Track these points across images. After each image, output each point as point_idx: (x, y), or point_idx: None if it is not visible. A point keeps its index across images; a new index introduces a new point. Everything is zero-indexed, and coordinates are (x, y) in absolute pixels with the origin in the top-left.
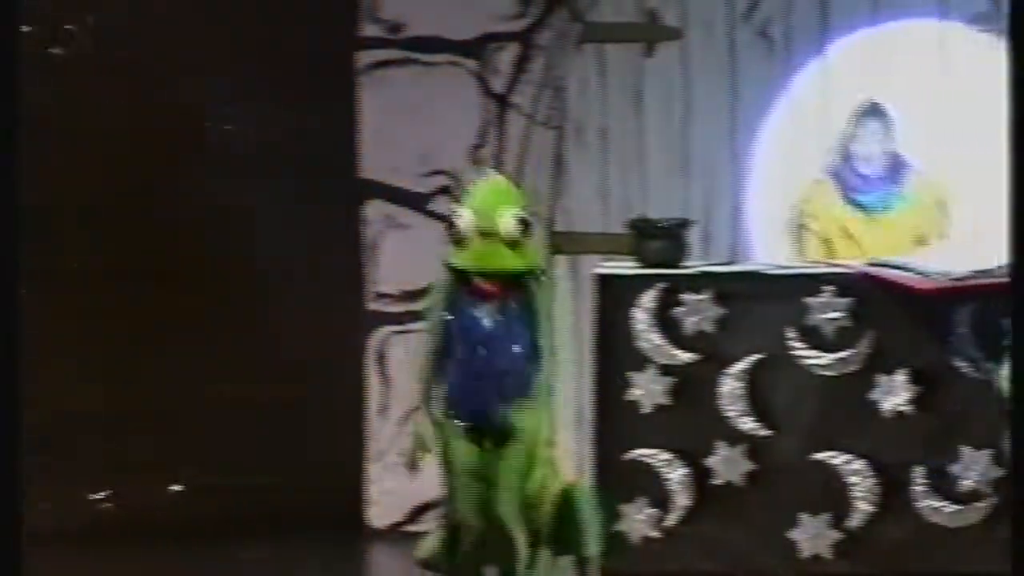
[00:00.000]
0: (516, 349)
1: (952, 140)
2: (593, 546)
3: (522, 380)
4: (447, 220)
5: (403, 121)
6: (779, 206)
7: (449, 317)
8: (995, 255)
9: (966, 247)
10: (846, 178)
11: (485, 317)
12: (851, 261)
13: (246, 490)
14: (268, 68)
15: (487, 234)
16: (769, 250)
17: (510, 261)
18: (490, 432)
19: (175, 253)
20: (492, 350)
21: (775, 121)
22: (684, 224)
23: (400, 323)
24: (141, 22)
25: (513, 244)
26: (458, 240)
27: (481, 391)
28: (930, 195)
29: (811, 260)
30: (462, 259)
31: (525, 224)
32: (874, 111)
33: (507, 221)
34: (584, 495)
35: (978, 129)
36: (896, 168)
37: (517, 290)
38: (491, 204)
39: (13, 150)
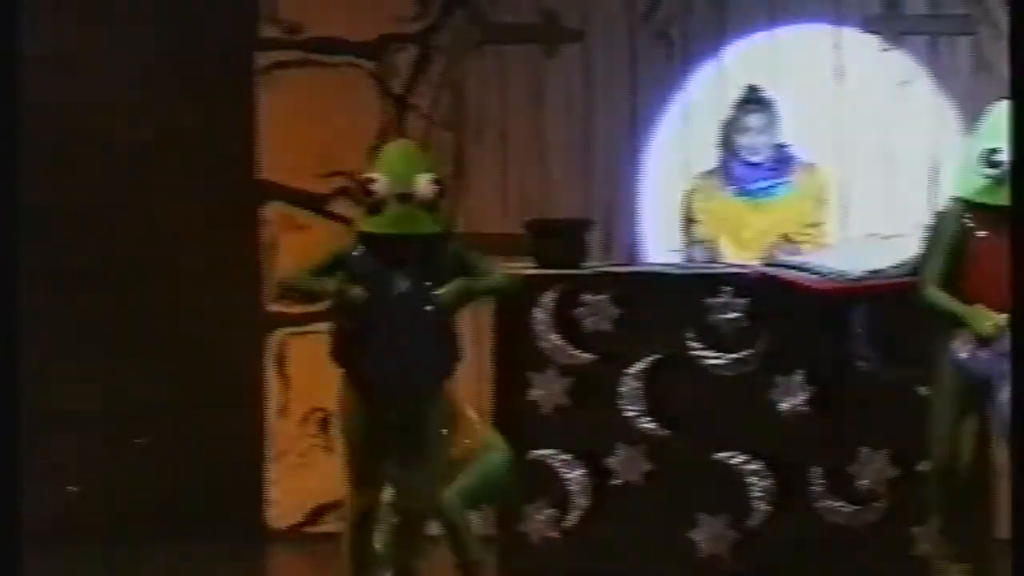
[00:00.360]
0: (429, 310)
1: (842, 136)
2: (502, 500)
3: (435, 342)
4: (360, 185)
5: (302, 122)
6: (674, 205)
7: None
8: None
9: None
10: (732, 168)
11: (400, 281)
12: (750, 261)
13: (145, 491)
14: (167, 68)
15: (404, 197)
16: (665, 248)
17: (427, 224)
18: (407, 395)
19: (71, 252)
20: (406, 313)
21: (671, 121)
22: (583, 224)
23: (299, 324)
24: (40, 18)
25: (429, 207)
26: (373, 205)
27: (396, 354)
28: (815, 183)
29: (706, 256)
30: (377, 224)
31: (440, 187)
32: (757, 100)
33: (423, 184)
34: (500, 452)
35: (867, 127)
36: (782, 157)
37: (429, 254)
38: (406, 168)
39: (13, 150)
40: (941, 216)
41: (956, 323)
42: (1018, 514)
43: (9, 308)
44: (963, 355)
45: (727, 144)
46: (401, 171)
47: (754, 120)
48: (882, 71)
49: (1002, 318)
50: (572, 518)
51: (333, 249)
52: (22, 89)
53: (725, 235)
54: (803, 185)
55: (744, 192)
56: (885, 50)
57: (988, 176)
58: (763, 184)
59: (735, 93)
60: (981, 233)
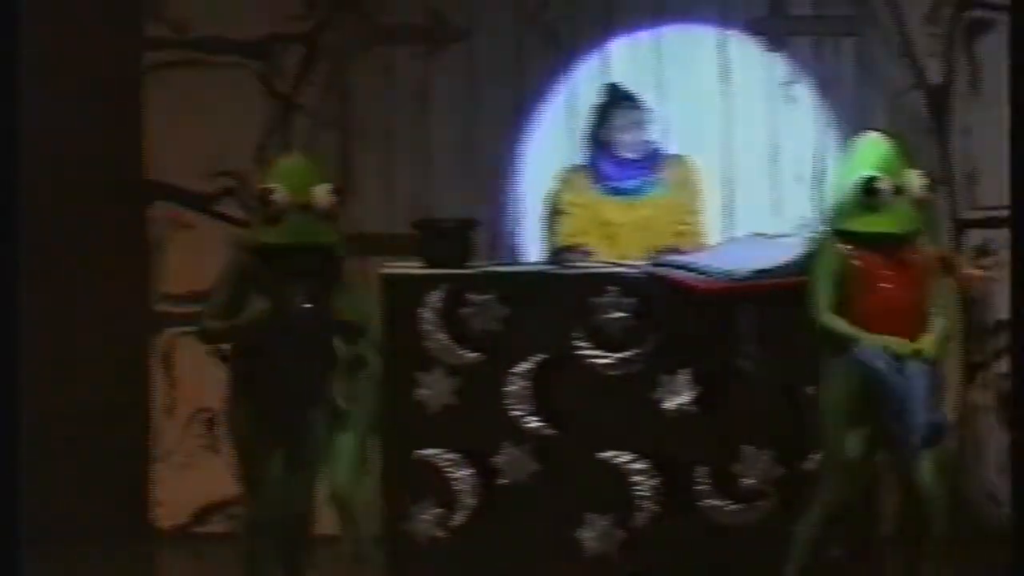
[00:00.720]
0: (328, 320)
1: (728, 136)
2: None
3: (326, 350)
4: (260, 197)
5: (188, 122)
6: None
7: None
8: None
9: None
10: (601, 166)
11: (297, 291)
12: (627, 259)
13: (29, 492)
14: (53, 68)
15: (302, 208)
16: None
17: (326, 235)
18: (299, 402)
19: None
20: (303, 323)
21: (554, 120)
22: (469, 224)
23: (186, 324)
24: None
25: (327, 217)
26: (271, 216)
27: (291, 362)
28: (685, 174)
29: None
30: (277, 235)
31: (338, 196)
32: (628, 98)
33: (322, 194)
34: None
35: (752, 127)
36: (651, 155)
37: (325, 263)
38: (304, 178)
39: (14, 151)
40: (820, 247)
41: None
42: (1018, 513)
43: (9, 308)
44: (871, 357)
45: (596, 142)
46: (299, 181)
47: (627, 117)
48: (767, 71)
49: (910, 347)
50: (459, 518)
51: (232, 267)
52: (22, 90)
53: (595, 231)
54: (674, 180)
55: (614, 191)
56: (770, 51)
57: (867, 206)
58: (634, 183)
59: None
60: (861, 262)
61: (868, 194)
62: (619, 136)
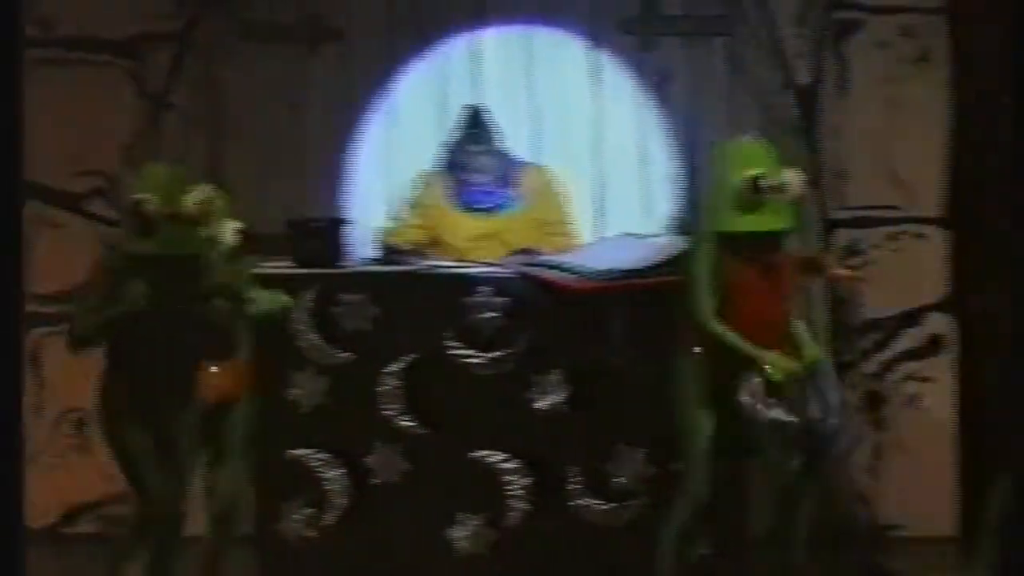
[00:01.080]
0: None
1: (597, 137)
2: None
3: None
4: (130, 208)
5: (58, 121)
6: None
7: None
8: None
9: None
10: (458, 188)
11: (169, 298)
12: (508, 260)
13: None
14: None
15: (173, 217)
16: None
17: (197, 243)
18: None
19: None
20: (174, 329)
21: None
22: (340, 224)
23: (54, 324)
24: None
25: (198, 224)
26: (142, 225)
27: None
28: (542, 184)
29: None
30: (148, 246)
31: (210, 203)
32: (476, 118)
33: (193, 202)
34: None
35: (621, 127)
36: (507, 169)
37: (197, 269)
38: (173, 187)
39: (15, 151)
40: (696, 248)
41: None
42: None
43: (9, 308)
44: (753, 402)
45: (452, 159)
46: (169, 191)
47: (480, 145)
48: (637, 72)
49: (795, 365)
50: (330, 518)
51: (102, 270)
52: (22, 91)
53: (446, 240)
54: (532, 191)
55: (471, 210)
56: (641, 50)
57: (748, 205)
58: (489, 204)
59: (453, 92)
60: (737, 264)
61: (755, 192)
62: (471, 161)
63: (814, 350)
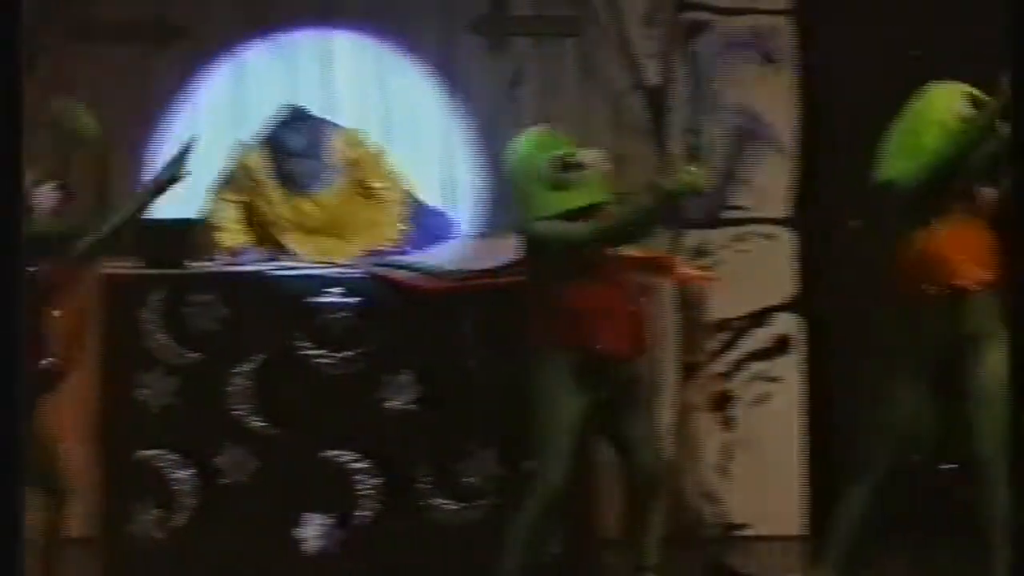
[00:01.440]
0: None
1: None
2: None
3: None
4: None
5: None
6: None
7: None
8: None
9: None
10: (280, 174)
11: None
12: (359, 260)
13: None
14: None
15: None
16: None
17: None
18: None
19: None
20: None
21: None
22: (189, 224)
23: None
24: None
25: (52, 215)
26: None
27: None
28: (358, 153)
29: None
30: None
31: (65, 194)
32: (295, 113)
33: (45, 194)
34: None
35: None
36: (318, 152)
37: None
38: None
39: (15, 151)
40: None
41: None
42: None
43: (9, 309)
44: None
45: (271, 149)
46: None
47: (294, 129)
48: (489, 72)
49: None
50: (180, 518)
51: None
52: (22, 91)
53: (262, 208)
54: (346, 159)
55: (299, 193)
56: (492, 50)
57: (558, 186)
58: (315, 182)
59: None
60: (573, 268)
61: (565, 169)
62: (289, 157)
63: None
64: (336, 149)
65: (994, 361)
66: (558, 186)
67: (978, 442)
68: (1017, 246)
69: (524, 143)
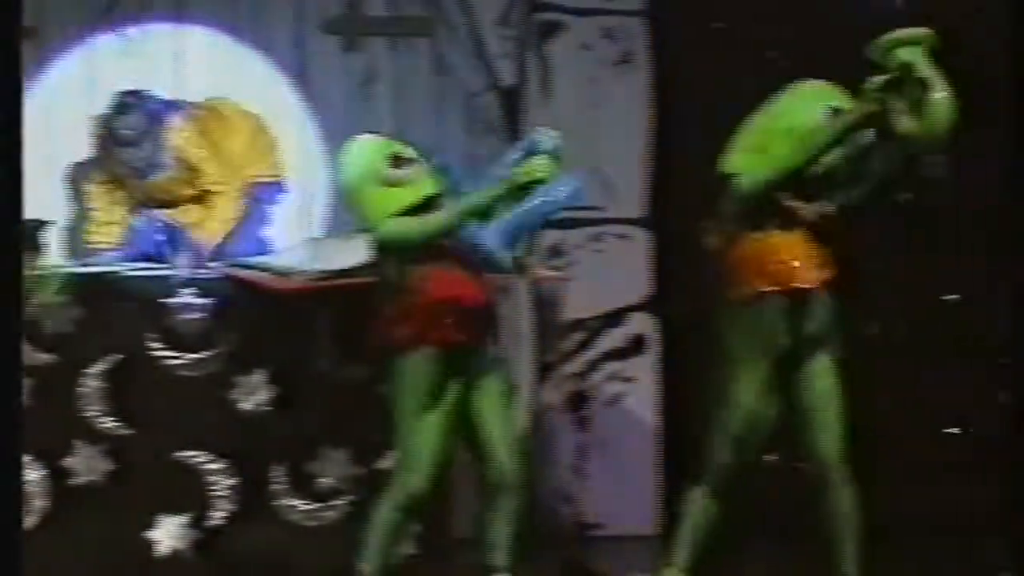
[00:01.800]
0: None
1: (303, 140)
2: None
3: None
4: None
5: None
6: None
7: None
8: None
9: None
10: (115, 160)
11: None
12: (213, 262)
13: None
14: None
15: None
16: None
17: None
18: None
19: None
20: None
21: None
22: (38, 225)
23: None
24: None
25: None
26: None
27: None
28: (208, 123)
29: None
30: None
31: None
32: (130, 98)
33: None
34: None
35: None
36: (156, 140)
37: None
38: None
39: (15, 151)
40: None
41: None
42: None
43: (9, 309)
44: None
45: (106, 139)
46: None
47: (127, 124)
48: (343, 72)
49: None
50: (30, 520)
51: None
52: (22, 91)
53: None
54: (196, 132)
55: (137, 175)
56: (346, 50)
57: (392, 184)
58: (149, 169)
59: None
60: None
61: (398, 165)
62: (123, 144)
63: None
64: (175, 136)
65: (832, 361)
66: (393, 184)
67: (820, 444)
68: (1017, 246)
69: (355, 148)
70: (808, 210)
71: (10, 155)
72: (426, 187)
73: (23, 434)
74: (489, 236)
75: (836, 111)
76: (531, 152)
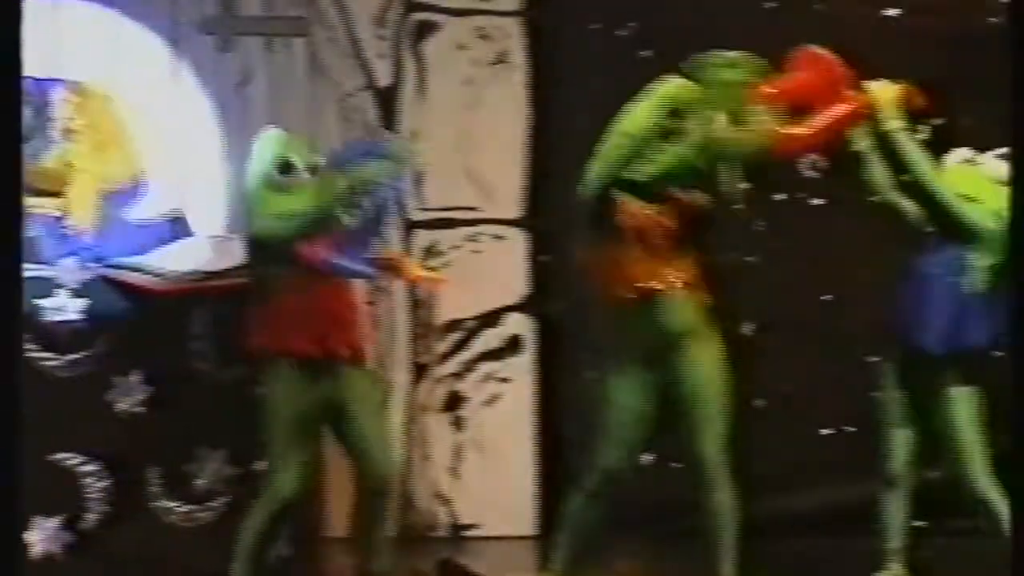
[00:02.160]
0: None
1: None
2: None
3: None
4: None
5: None
6: None
7: None
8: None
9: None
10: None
11: None
12: (88, 263)
13: None
14: None
15: None
16: None
17: None
18: None
19: None
20: None
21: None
22: None
23: None
24: None
25: None
26: None
27: None
28: (95, 114)
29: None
30: None
31: None
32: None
33: None
34: None
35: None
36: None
37: None
38: None
39: (15, 151)
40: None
41: None
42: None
43: (9, 309)
44: None
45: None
46: None
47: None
48: (218, 72)
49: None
50: None
51: None
52: (21, 91)
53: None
54: (83, 119)
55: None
56: (220, 51)
57: (281, 189)
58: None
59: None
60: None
61: (282, 172)
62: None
63: None
64: (60, 114)
65: (703, 360)
66: (279, 188)
67: (697, 442)
68: (1017, 246)
69: (260, 143)
70: (688, 198)
71: (10, 155)
72: (308, 200)
73: (23, 434)
74: (341, 257)
75: (681, 113)
76: (369, 154)
